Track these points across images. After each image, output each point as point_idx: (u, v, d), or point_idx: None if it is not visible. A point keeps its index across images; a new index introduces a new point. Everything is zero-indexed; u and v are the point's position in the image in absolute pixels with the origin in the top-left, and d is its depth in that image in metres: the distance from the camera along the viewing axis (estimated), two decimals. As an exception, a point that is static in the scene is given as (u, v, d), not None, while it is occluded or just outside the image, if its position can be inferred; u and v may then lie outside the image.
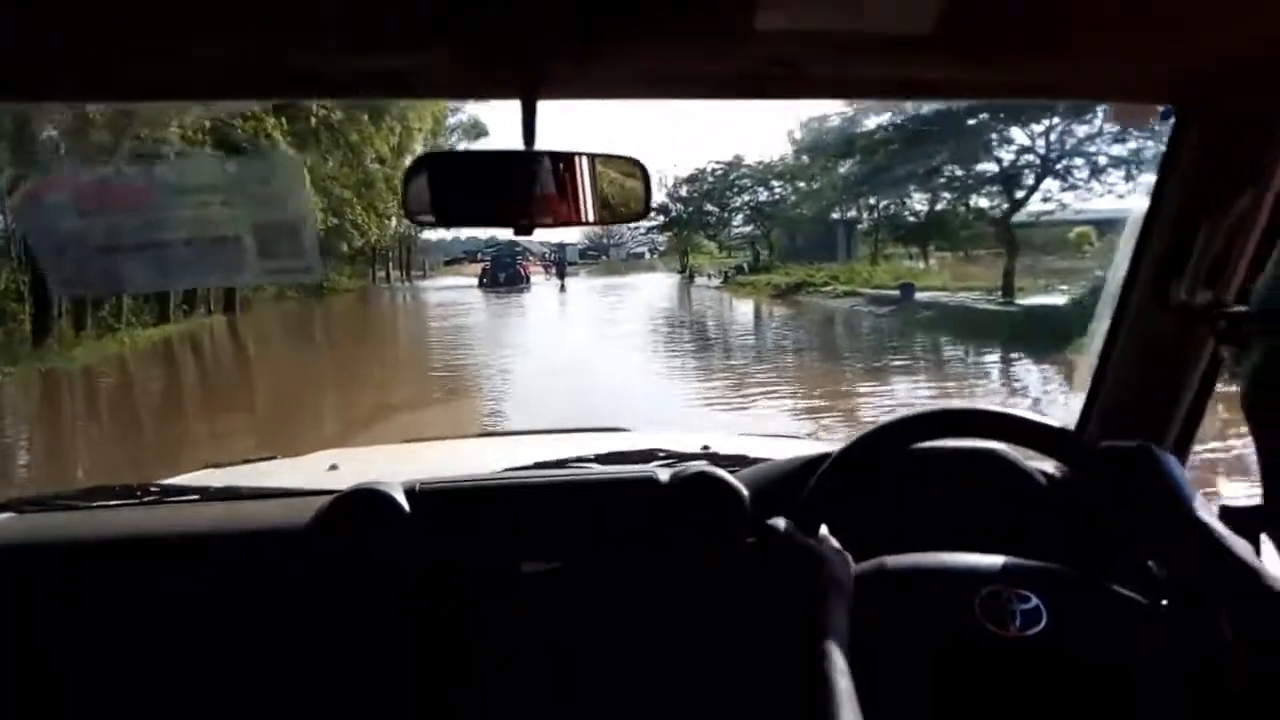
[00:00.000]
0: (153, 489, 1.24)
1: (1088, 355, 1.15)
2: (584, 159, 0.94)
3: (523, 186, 0.91)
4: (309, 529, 1.09)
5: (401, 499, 1.08)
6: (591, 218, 0.95)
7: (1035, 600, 0.79)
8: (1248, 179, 0.88)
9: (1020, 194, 18.52)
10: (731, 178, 32.01)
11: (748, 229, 32.95)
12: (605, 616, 1.10)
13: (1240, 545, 0.71)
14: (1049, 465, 1.12)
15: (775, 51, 0.81)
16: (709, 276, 32.21)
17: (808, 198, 28.62)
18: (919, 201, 23.03)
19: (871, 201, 25.66)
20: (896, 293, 19.25)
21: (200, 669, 1.08)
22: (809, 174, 28.09)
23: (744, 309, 22.97)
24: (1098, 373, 1.10)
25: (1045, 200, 18.13)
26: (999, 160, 19.41)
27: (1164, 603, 0.79)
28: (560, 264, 34.32)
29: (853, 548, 0.85)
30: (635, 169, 0.97)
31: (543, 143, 0.91)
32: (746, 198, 31.81)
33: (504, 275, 31.62)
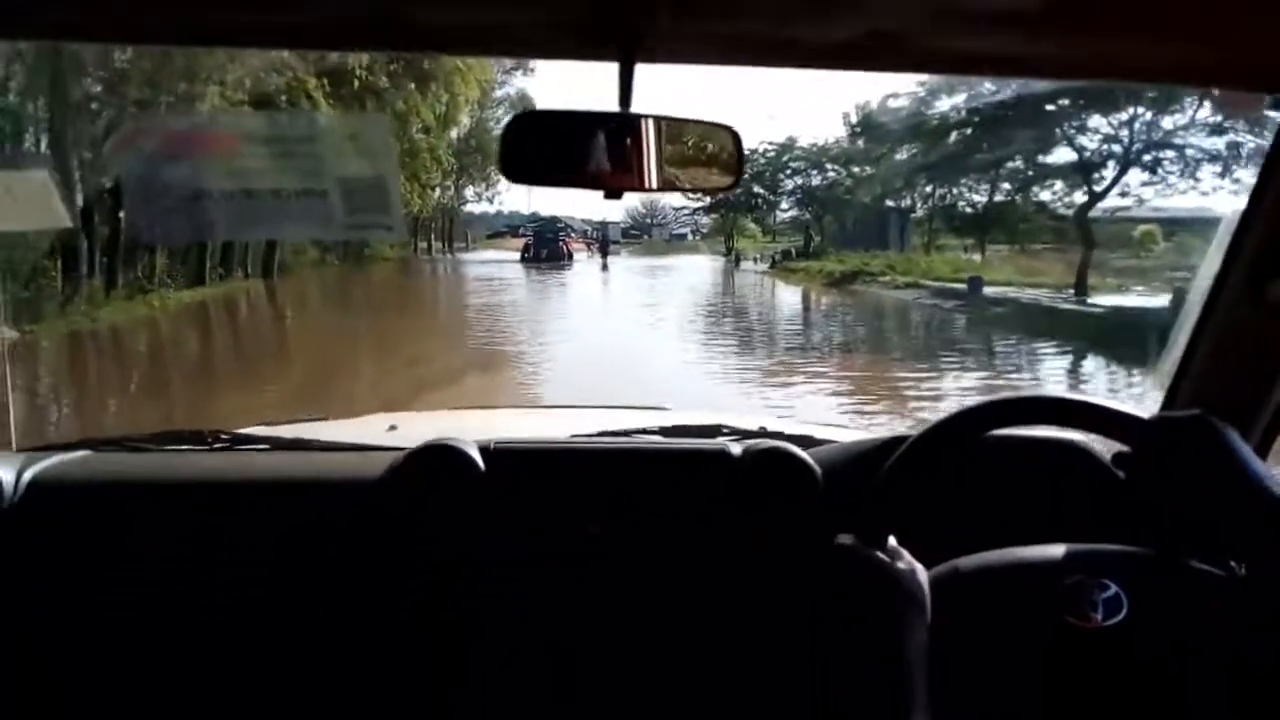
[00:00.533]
0: (224, 436, 1.30)
1: (1174, 352, 1.14)
2: (677, 125, 0.96)
3: (615, 149, 0.93)
4: (383, 480, 1.13)
5: (476, 455, 1.12)
6: (683, 183, 0.97)
7: (1114, 588, 0.80)
8: None
9: (1093, 188, 17.93)
10: (784, 159, 31.57)
11: (796, 213, 32.55)
12: (667, 588, 1.13)
13: None
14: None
15: (879, 21, 0.82)
16: (755, 260, 31.85)
17: (862, 183, 28.13)
18: (979, 193, 22.55)
19: (928, 190, 25.19)
20: (961, 286, 18.60)
21: (267, 614, 1.14)
22: (865, 159, 27.60)
23: (793, 297, 22.40)
24: (1181, 367, 1.10)
25: (1123, 195, 17.55)
26: (1069, 152, 18.86)
27: (1238, 569, 0.79)
28: (604, 242, 33.92)
29: (924, 547, 0.86)
30: (730, 138, 0.98)
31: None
32: (799, 180, 31.36)
33: (546, 251, 31.67)
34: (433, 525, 1.13)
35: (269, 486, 1.19)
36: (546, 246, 32.14)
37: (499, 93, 29.00)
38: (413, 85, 22.13)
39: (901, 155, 24.50)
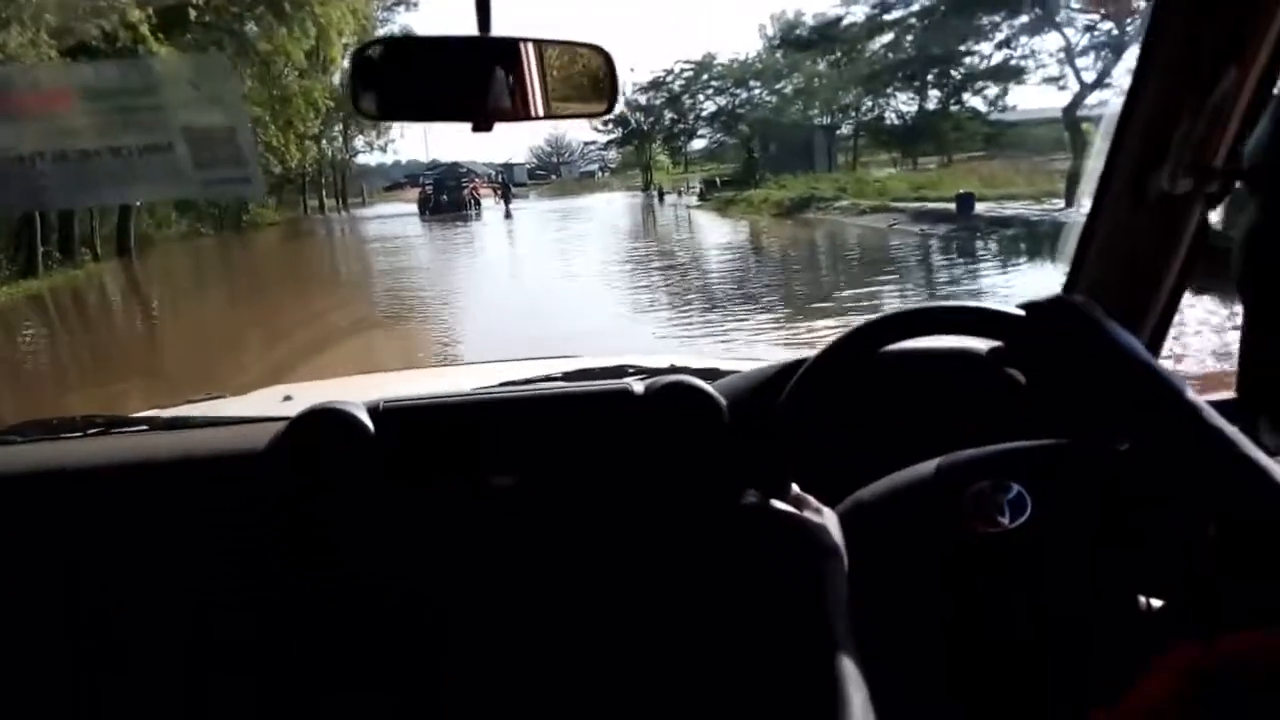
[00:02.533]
0: (98, 420, 1.29)
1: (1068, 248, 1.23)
2: (545, 46, 0.97)
3: (480, 77, 0.94)
4: (266, 451, 1.14)
5: (365, 417, 1.13)
6: (556, 110, 0.99)
7: (1016, 488, 0.86)
8: (1228, 59, 0.95)
9: (1076, 88, 18.01)
10: (704, 78, 31.26)
11: (720, 139, 32.45)
12: (578, 534, 1.17)
13: (1176, 378, 0.78)
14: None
15: None
16: (679, 194, 31.48)
17: (789, 101, 28.22)
18: (907, 103, 22.87)
19: (855, 104, 25.37)
20: (941, 206, 16.81)
21: (155, 602, 1.15)
22: (789, 73, 27.62)
23: (741, 235, 20.19)
24: (1074, 264, 1.19)
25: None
26: (1000, 53, 19.27)
27: (1123, 447, 0.85)
28: (506, 186, 32.82)
29: (826, 477, 0.91)
30: (600, 57, 1.00)
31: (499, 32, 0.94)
32: (721, 101, 31.17)
33: (448, 199, 30.66)
34: (325, 493, 1.14)
35: (148, 468, 1.18)
36: (448, 195, 31.04)
37: (382, 31, 27.89)
38: (273, 20, 20.93)
39: (825, 67, 24.62)
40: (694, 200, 29.27)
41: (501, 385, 1.34)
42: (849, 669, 0.72)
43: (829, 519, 0.86)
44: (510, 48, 0.96)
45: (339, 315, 11.20)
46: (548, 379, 1.34)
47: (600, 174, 45.09)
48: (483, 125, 0.98)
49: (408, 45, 0.98)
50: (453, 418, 1.19)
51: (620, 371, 1.34)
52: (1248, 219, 0.65)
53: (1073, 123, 17.69)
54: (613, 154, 40.91)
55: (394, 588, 1.15)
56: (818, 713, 0.69)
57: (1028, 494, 0.86)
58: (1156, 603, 0.82)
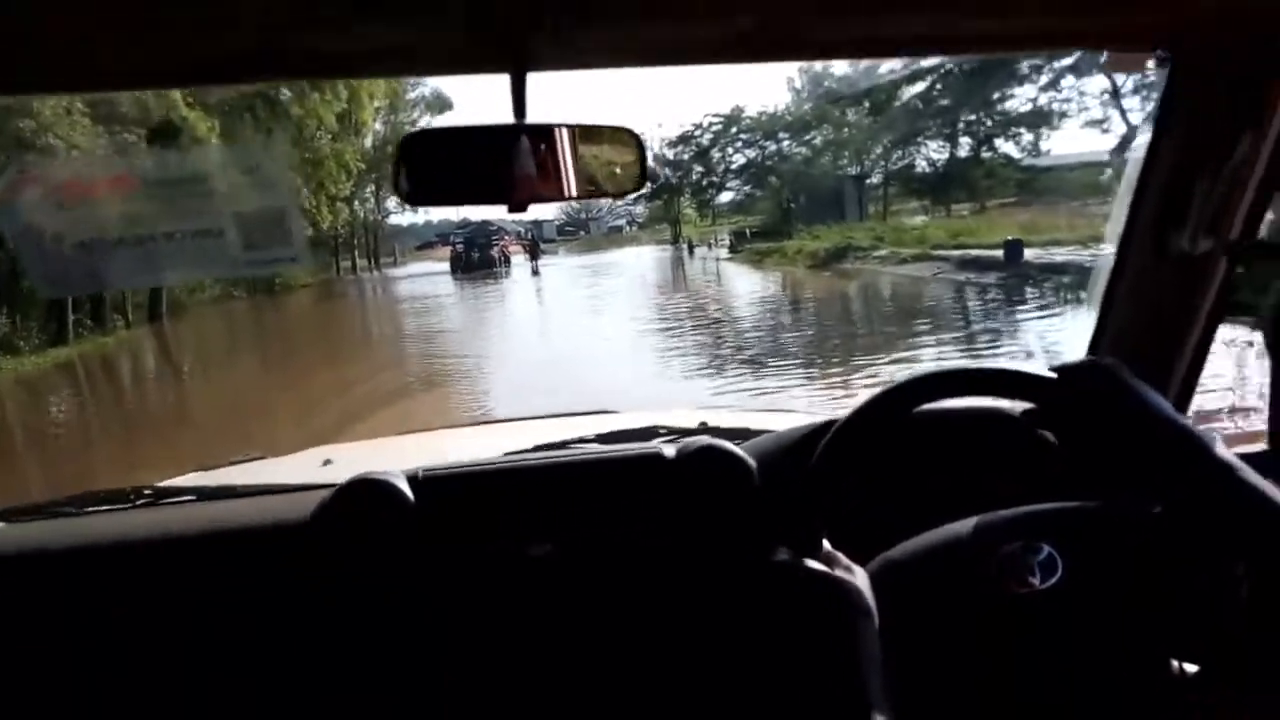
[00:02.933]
0: (146, 491, 1.34)
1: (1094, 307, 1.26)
2: (576, 131, 1.03)
3: (515, 161, 1.00)
4: (311, 522, 1.18)
5: (405, 486, 1.18)
6: (587, 191, 1.05)
7: (1047, 549, 0.88)
8: (1246, 124, 0.99)
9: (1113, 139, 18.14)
10: (733, 131, 31.68)
11: (747, 191, 32.78)
12: (614, 600, 1.19)
13: (1215, 440, 0.80)
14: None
15: (766, 14, 0.91)
16: (709, 246, 31.82)
17: (819, 152, 28.51)
18: (938, 151, 22.98)
19: (885, 153, 25.56)
20: (986, 253, 16.24)
21: (204, 672, 1.18)
22: (817, 125, 27.95)
23: (773, 287, 19.80)
24: (1099, 322, 1.21)
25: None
26: (1031, 99, 19.39)
27: (1156, 510, 0.86)
28: (534, 243, 33.07)
29: (857, 537, 0.94)
30: (630, 140, 1.06)
31: (531, 116, 1.01)
32: (752, 153, 31.51)
33: (479, 257, 31.11)
34: (366, 564, 1.18)
35: (196, 541, 1.22)
36: (479, 253, 31.60)
37: (412, 94, 28.89)
38: (305, 83, 21.71)
39: (854, 117, 24.90)
40: (724, 253, 29.49)
41: (535, 448, 1.37)
42: (880, 711, 0.74)
43: (860, 578, 0.88)
44: (544, 133, 1.02)
45: (373, 378, 11.16)
46: (580, 440, 1.38)
47: (628, 229, 45.77)
48: (518, 207, 1.05)
49: (448, 134, 1.04)
50: (489, 485, 1.23)
51: (651, 433, 1.37)
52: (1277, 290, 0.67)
53: (1120, 166, 17.62)
54: (640, 209, 41.55)
55: (433, 654, 1.18)
56: None
57: (1059, 555, 0.88)
58: (1190, 666, 0.83)
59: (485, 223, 34.87)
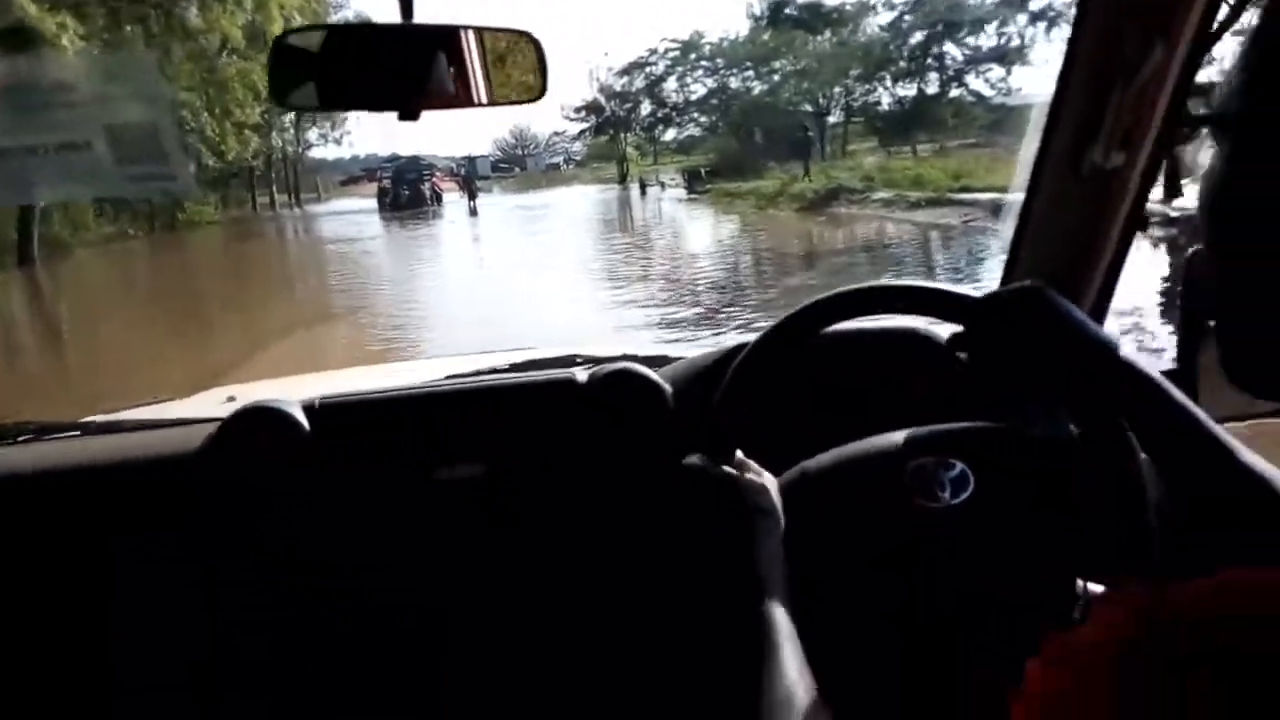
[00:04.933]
0: (30, 426, 1.36)
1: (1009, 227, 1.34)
2: (470, 33, 1.06)
3: (405, 65, 1.03)
4: (199, 452, 1.22)
5: (300, 415, 1.22)
6: (484, 98, 1.08)
7: (960, 466, 0.96)
8: (1155, 35, 1.06)
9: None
10: (692, 58, 31.13)
11: (700, 126, 32.52)
12: (524, 523, 1.26)
13: (1141, 360, 0.88)
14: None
15: None
16: (662, 187, 31.34)
17: (776, 86, 28.38)
18: (905, 87, 23.02)
19: (850, 88, 25.53)
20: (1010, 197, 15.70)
21: (84, 611, 1.21)
22: (783, 53, 27.70)
23: (760, 237, 17.49)
24: (1014, 243, 1.30)
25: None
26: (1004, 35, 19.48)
27: (1076, 433, 0.95)
28: (470, 180, 31.93)
29: (774, 454, 1.00)
30: (528, 44, 1.10)
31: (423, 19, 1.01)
32: (712, 84, 31.11)
33: (409, 195, 30.32)
34: (259, 495, 1.22)
35: (78, 473, 1.25)
36: (408, 188, 30.69)
37: (337, 16, 27.77)
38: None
39: (814, 48, 24.78)
40: (680, 193, 28.78)
41: (445, 378, 1.42)
42: (780, 619, 0.80)
43: (769, 482, 0.96)
44: (439, 36, 1.04)
45: (287, 333, 10.32)
46: (494, 371, 1.43)
47: (565, 166, 45.30)
48: (410, 114, 1.05)
49: (330, 35, 1.06)
50: (391, 413, 1.27)
51: (569, 361, 1.42)
52: (1211, 178, 0.67)
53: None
54: (577, 146, 41.17)
55: (339, 583, 1.23)
56: (747, 657, 0.77)
57: (971, 473, 0.96)
58: (1095, 587, 0.89)
59: (415, 157, 34.13)
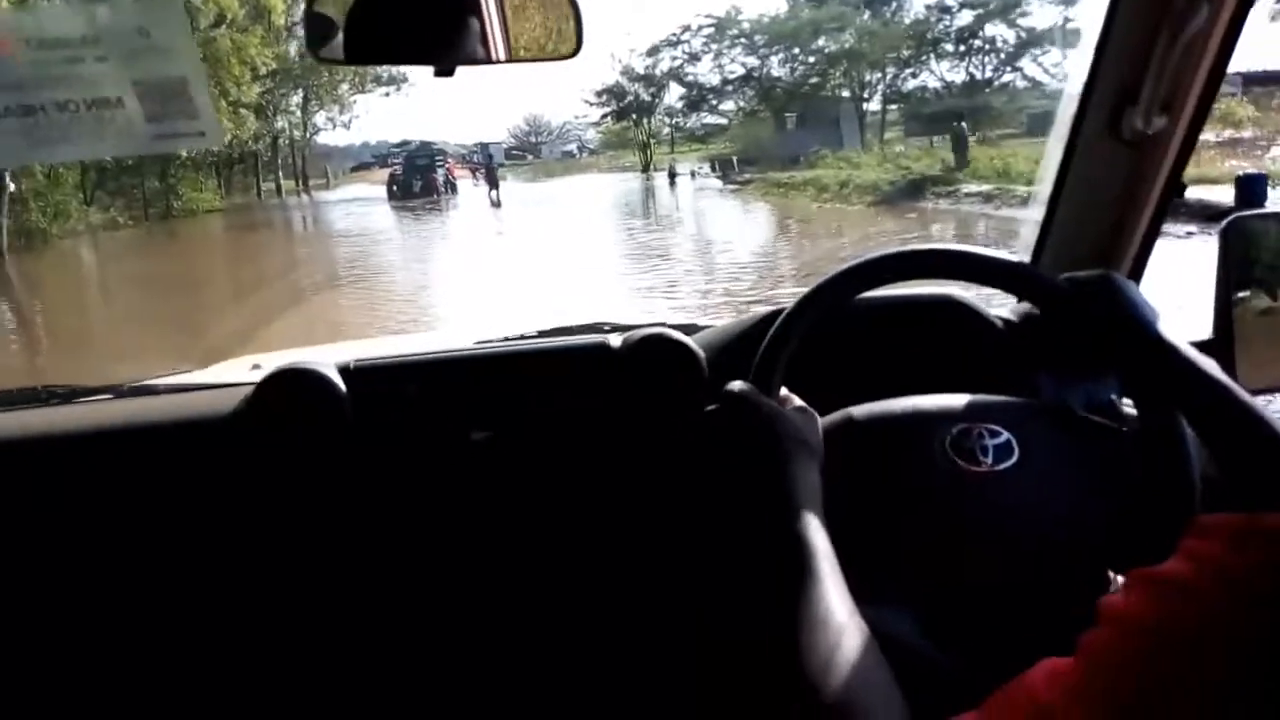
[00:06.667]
0: (59, 389, 1.42)
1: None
2: None
3: (437, 19, 1.08)
4: (233, 415, 1.28)
5: (335, 377, 1.28)
6: (518, 54, 1.13)
7: (1006, 434, 0.99)
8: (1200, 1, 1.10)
9: None
10: (729, 34, 30.76)
11: (728, 111, 32.27)
12: (560, 483, 1.33)
13: (1207, 362, 0.91)
14: (1005, 310, 1.35)
15: None
16: (691, 175, 31.06)
17: (813, 70, 28.18)
18: (949, 73, 22.68)
19: (892, 75, 25.18)
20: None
21: (120, 569, 1.28)
22: (811, 36, 27.50)
23: (849, 239, 15.60)
24: (1050, 206, 1.34)
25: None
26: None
27: (1133, 425, 0.99)
28: (489, 168, 31.55)
29: (816, 405, 1.03)
30: (567, 3, 1.14)
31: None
32: (752, 63, 30.64)
33: (420, 183, 29.98)
34: (293, 456, 1.28)
35: (112, 435, 1.31)
36: (420, 176, 30.29)
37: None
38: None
39: (854, 31, 24.49)
40: (714, 183, 28.28)
41: (477, 344, 1.47)
42: (820, 543, 0.83)
43: (814, 417, 1.00)
44: None
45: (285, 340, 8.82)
46: (522, 337, 1.48)
47: (580, 154, 45.40)
48: (445, 70, 1.11)
49: None
50: (425, 375, 1.33)
51: (597, 329, 1.47)
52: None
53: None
54: (591, 134, 41.23)
55: (375, 539, 1.30)
56: (786, 580, 0.80)
57: (1016, 443, 0.99)
58: (1121, 579, 0.92)
59: (427, 143, 34.28)
